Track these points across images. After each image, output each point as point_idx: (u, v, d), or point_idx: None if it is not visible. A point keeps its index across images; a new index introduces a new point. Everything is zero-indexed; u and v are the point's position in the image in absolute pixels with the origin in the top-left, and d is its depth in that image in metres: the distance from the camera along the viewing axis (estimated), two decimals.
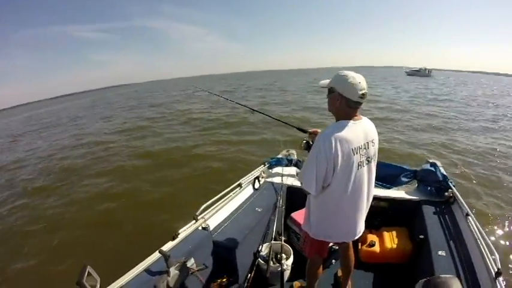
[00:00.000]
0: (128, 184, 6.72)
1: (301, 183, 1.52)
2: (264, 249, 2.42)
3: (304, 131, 2.12)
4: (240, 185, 2.72)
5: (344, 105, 1.43)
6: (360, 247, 2.52)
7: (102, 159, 9.03)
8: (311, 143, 1.99)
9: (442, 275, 1.31)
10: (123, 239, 4.50)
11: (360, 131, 1.48)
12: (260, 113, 2.95)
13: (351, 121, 1.45)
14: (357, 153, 1.44)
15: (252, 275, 2.19)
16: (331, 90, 1.47)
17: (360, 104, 1.43)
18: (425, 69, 60.47)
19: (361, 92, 1.38)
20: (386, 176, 2.84)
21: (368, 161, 1.52)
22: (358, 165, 1.47)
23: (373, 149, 1.54)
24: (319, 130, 1.94)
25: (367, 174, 1.56)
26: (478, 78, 66.74)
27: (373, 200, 1.72)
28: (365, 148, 1.48)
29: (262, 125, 10.58)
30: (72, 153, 10.29)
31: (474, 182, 5.79)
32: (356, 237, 1.69)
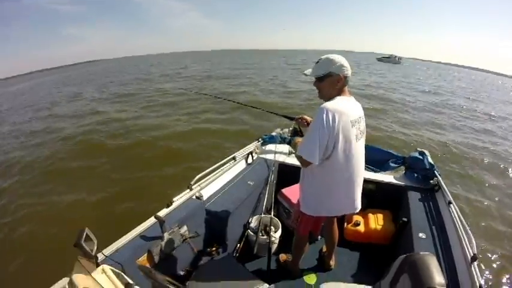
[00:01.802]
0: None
1: (300, 156, 1.53)
2: (254, 222, 2.50)
3: (291, 118, 2.17)
4: (234, 158, 2.77)
5: (343, 84, 1.55)
6: (345, 226, 2.64)
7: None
8: (298, 128, 2.02)
9: (421, 252, 1.39)
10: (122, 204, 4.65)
11: (354, 106, 1.59)
12: (248, 106, 3.01)
13: (344, 97, 1.56)
14: (353, 126, 1.52)
15: (241, 246, 2.26)
16: (329, 75, 1.54)
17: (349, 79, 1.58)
18: (396, 56, 61.82)
19: (350, 68, 1.55)
20: (376, 160, 2.92)
21: (361, 134, 1.62)
22: (356, 137, 1.55)
23: (363, 124, 1.64)
24: (306, 116, 2.01)
25: (362, 147, 1.65)
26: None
27: None
28: (358, 122, 1.57)
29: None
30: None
31: None
32: (356, 210, 1.76)
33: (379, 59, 62.60)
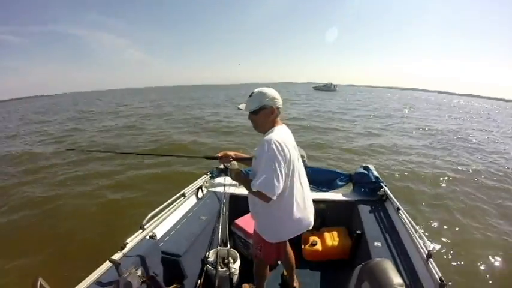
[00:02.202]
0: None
1: (262, 191, 1.50)
2: (211, 255, 2.43)
3: (214, 158, 2.07)
4: (183, 195, 2.69)
5: (276, 115, 1.65)
6: (303, 247, 2.68)
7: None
8: (224, 166, 2.02)
9: (376, 259, 1.46)
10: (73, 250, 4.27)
11: (289, 133, 1.70)
12: (164, 155, 3.06)
13: (280, 126, 1.67)
14: (296, 150, 1.63)
15: (202, 281, 2.19)
16: (263, 108, 1.62)
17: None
18: (331, 84, 66.46)
19: (281, 100, 1.65)
20: (323, 180, 3.06)
21: (300, 156, 1.73)
22: (298, 160, 1.65)
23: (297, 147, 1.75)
24: (228, 152, 1.97)
25: (303, 168, 1.76)
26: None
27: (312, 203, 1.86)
28: (296, 146, 1.69)
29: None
30: None
31: None
32: (311, 227, 1.81)
33: (316, 88, 66.60)
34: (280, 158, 1.48)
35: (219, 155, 1.98)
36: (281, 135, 1.57)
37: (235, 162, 1.92)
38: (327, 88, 64.89)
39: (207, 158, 2.13)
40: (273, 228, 1.74)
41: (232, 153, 1.97)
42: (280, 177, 1.48)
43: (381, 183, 2.78)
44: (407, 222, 2.12)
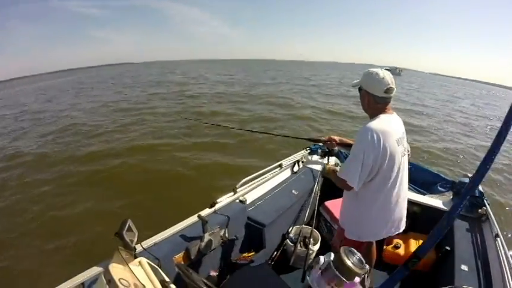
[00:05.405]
0: None
1: (343, 178, 1.49)
2: (294, 232, 2.47)
3: (318, 141, 2.13)
4: (280, 166, 2.75)
5: (372, 102, 1.48)
6: (384, 247, 2.55)
7: None
8: (327, 150, 1.99)
9: (463, 286, 1.33)
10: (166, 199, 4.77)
11: (396, 123, 1.53)
12: (269, 133, 3.02)
13: (386, 114, 1.49)
14: (400, 145, 1.47)
15: (278, 254, 2.25)
16: (360, 89, 1.52)
17: (387, 99, 1.47)
18: (396, 68, 62.53)
19: (385, 88, 1.42)
20: (423, 181, 2.82)
21: (405, 151, 1.56)
22: (402, 155, 1.50)
23: (405, 140, 1.58)
24: (333, 136, 1.96)
25: (406, 165, 1.60)
26: None
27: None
28: (402, 139, 1.52)
29: None
30: None
31: None
32: (400, 231, 1.70)
33: None
34: (370, 149, 1.38)
35: (325, 138, 1.99)
36: (382, 124, 1.44)
37: (332, 162, 1.87)
38: (392, 72, 60.88)
39: (311, 140, 2.19)
40: (354, 225, 1.69)
41: (337, 138, 1.96)
42: (363, 167, 1.40)
43: (484, 201, 2.47)
44: (503, 253, 1.87)
